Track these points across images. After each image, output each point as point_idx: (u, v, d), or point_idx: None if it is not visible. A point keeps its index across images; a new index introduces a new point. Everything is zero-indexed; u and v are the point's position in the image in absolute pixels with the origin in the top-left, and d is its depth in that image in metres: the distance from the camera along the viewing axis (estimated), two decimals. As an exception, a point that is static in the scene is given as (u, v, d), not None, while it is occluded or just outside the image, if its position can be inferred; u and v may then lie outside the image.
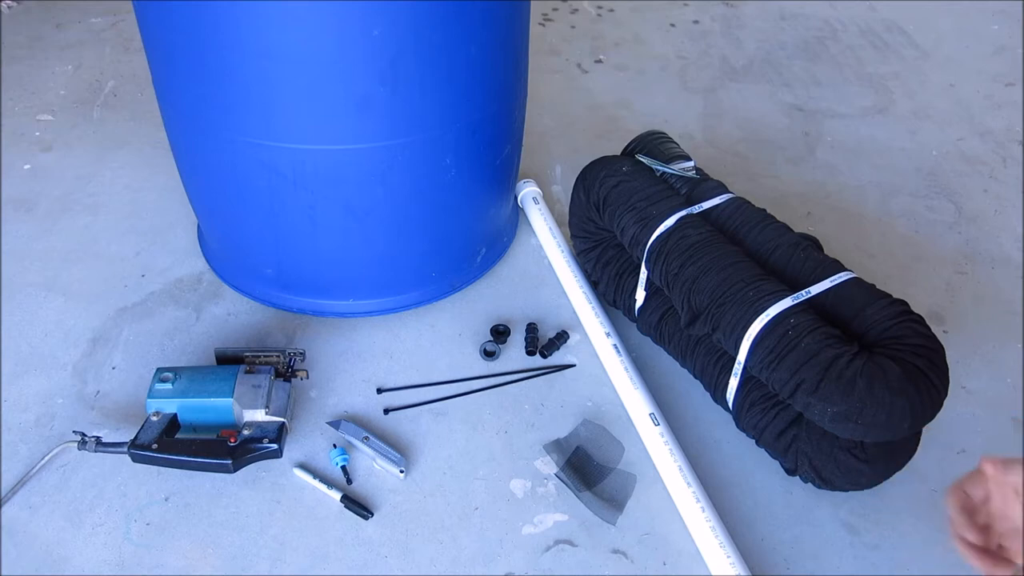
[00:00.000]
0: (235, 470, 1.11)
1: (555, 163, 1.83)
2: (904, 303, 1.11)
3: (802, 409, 1.06)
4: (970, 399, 1.32)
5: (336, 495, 1.13)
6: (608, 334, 1.33)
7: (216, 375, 1.18)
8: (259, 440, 1.12)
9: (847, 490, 1.14)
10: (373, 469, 1.17)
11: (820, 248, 1.24)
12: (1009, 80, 2.26)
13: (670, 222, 1.25)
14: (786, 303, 1.10)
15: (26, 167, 1.77)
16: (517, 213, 1.64)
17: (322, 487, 1.14)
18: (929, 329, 1.08)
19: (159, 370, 1.17)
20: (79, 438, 1.13)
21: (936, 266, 1.60)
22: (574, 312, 1.43)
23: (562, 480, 1.17)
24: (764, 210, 1.30)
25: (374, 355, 1.35)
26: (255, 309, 1.42)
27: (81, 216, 1.63)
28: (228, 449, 1.10)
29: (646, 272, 1.30)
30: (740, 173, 1.82)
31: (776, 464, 1.19)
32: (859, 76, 2.25)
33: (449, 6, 1.10)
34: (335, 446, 1.19)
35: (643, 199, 1.30)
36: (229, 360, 1.25)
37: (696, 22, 2.53)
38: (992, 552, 0.70)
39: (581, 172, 1.42)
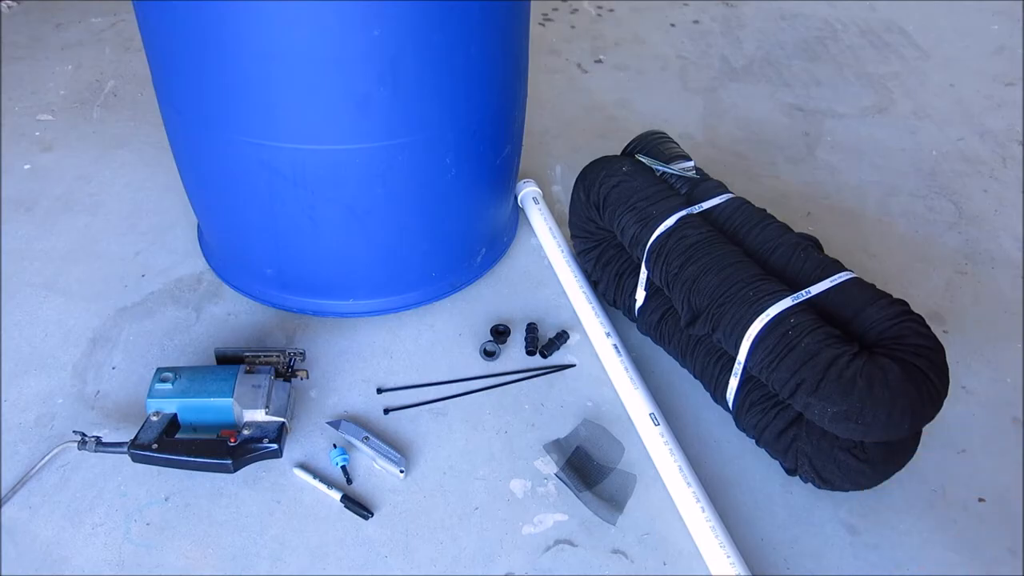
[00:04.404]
0: (235, 470, 1.11)
1: (555, 163, 1.83)
2: (904, 303, 1.11)
3: (802, 409, 1.06)
4: (970, 399, 1.31)
5: (336, 495, 1.13)
6: (608, 334, 1.33)
7: (216, 375, 1.18)
8: (259, 440, 1.12)
9: (847, 490, 1.14)
10: (373, 469, 1.17)
11: (820, 248, 1.24)
12: (1009, 80, 2.26)
13: (670, 222, 1.25)
14: (786, 303, 1.10)
15: (26, 167, 1.77)
16: (517, 213, 1.64)
17: (322, 487, 1.14)
18: (929, 329, 1.08)
19: (159, 370, 1.17)
20: (79, 438, 1.13)
21: (936, 266, 1.60)
22: (574, 312, 1.43)
23: (562, 480, 1.17)
24: (764, 210, 1.30)
25: (374, 355, 1.35)
26: (255, 309, 1.42)
27: (81, 216, 1.63)
28: (228, 449, 1.10)
29: (646, 272, 1.30)
30: (740, 173, 1.82)
31: (776, 464, 1.19)
32: (859, 76, 2.25)
33: (449, 6, 1.10)
34: (335, 446, 1.19)
35: (643, 199, 1.30)
36: (229, 360, 1.25)
37: (696, 22, 2.53)
38: None
39: (581, 172, 1.42)
